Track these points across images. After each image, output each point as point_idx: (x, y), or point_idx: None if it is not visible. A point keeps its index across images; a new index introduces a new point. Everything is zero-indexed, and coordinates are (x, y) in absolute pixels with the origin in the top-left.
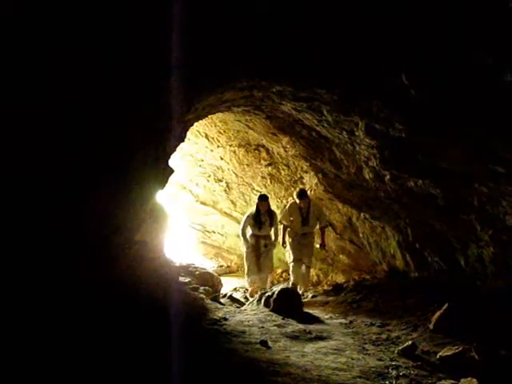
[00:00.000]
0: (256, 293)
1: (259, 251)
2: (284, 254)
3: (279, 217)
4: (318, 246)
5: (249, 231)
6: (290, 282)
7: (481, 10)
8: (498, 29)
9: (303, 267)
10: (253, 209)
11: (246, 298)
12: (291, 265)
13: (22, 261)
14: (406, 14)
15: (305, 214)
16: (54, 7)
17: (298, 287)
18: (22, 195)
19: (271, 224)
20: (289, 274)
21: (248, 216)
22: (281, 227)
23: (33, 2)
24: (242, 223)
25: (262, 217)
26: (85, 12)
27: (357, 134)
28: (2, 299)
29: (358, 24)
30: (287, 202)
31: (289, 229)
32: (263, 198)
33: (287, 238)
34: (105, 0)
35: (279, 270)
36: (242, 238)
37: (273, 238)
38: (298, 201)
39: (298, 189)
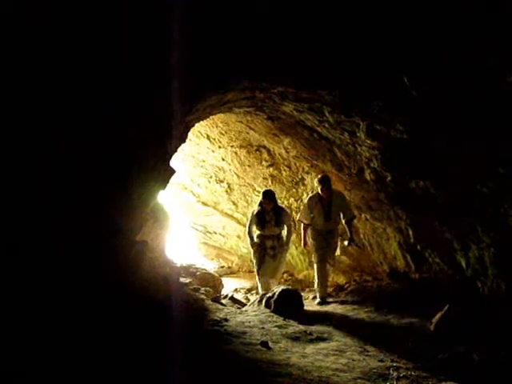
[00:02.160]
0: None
1: (263, 252)
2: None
3: (298, 215)
4: (345, 243)
5: (256, 231)
6: (315, 285)
7: (481, 10)
8: (498, 29)
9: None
10: (257, 206)
11: (246, 298)
12: (316, 265)
13: (22, 263)
14: (408, 16)
15: (327, 206)
16: (63, 15)
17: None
18: (22, 198)
19: (277, 223)
20: (290, 276)
21: (252, 214)
22: (301, 226)
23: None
24: (248, 222)
25: (266, 215)
26: (91, 16)
27: (358, 134)
28: (7, 298)
29: (359, 26)
30: (288, 203)
31: (310, 227)
32: (267, 196)
33: (309, 239)
34: (108, 6)
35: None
36: (248, 238)
37: (284, 239)
38: (319, 188)
39: (320, 175)
